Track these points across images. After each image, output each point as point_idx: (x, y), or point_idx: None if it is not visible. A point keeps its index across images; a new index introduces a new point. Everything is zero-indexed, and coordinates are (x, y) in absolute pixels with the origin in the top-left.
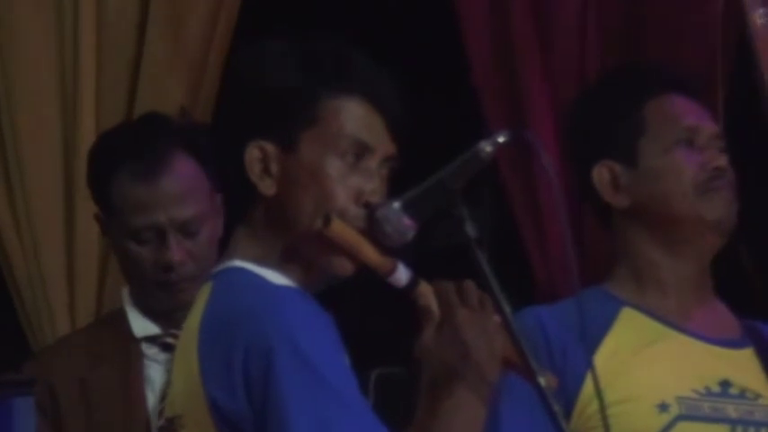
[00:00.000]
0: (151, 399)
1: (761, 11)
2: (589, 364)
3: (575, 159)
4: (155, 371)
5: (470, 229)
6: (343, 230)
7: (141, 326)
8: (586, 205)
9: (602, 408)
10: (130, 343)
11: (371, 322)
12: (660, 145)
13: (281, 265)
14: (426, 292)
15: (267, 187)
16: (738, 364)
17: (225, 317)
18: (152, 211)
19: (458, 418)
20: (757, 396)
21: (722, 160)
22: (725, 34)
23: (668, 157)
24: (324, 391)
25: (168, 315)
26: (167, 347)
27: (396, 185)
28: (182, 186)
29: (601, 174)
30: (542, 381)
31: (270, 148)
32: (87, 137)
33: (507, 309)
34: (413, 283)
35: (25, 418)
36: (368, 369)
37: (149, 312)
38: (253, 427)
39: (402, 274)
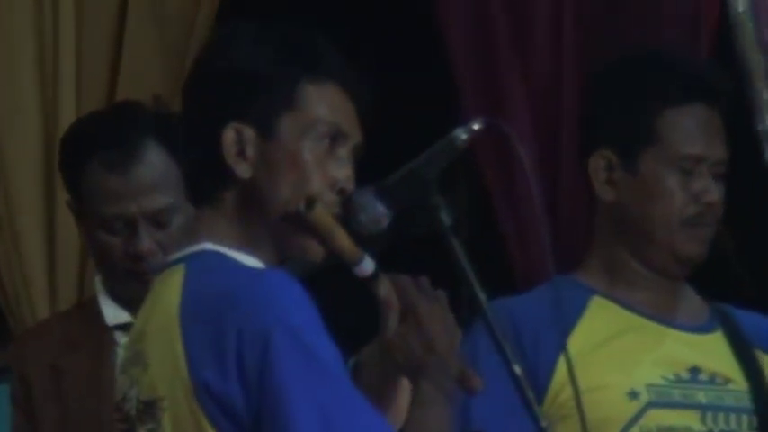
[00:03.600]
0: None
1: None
2: (561, 349)
3: (581, 136)
4: None
5: (445, 217)
6: (323, 216)
7: (113, 314)
8: (564, 192)
9: (576, 390)
10: (103, 331)
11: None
12: (662, 162)
13: (253, 248)
14: (387, 284)
15: (243, 170)
16: (707, 350)
17: (210, 299)
18: (123, 201)
19: (425, 413)
20: (727, 381)
21: (715, 195)
22: (704, 21)
23: (665, 178)
24: (321, 374)
25: (140, 303)
26: None
27: (368, 173)
28: (153, 177)
29: (598, 162)
30: (516, 368)
31: (246, 131)
32: (67, 124)
33: (483, 296)
34: (375, 275)
35: (1, 405)
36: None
37: (121, 300)
38: (245, 409)
39: (367, 265)
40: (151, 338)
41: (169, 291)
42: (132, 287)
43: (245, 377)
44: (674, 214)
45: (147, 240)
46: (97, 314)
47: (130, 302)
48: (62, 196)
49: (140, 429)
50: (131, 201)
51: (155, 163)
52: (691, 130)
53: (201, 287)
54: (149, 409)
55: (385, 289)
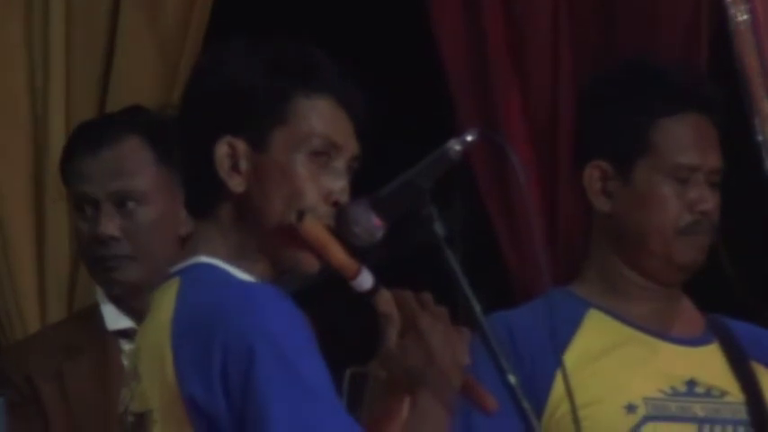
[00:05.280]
0: None
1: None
2: (558, 365)
3: (576, 147)
4: None
5: (440, 229)
6: (315, 228)
7: (113, 319)
8: (561, 202)
9: (573, 404)
10: (106, 337)
11: (345, 321)
12: (657, 171)
13: (247, 262)
14: (387, 298)
15: (236, 184)
16: (704, 362)
17: (201, 313)
18: (90, 181)
19: (424, 427)
20: (723, 393)
21: (710, 203)
22: (700, 20)
23: (660, 187)
24: (303, 391)
25: (140, 310)
26: None
27: (364, 185)
28: (121, 161)
29: (592, 173)
30: (512, 379)
31: (239, 144)
32: (57, 131)
33: (477, 307)
34: (374, 289)
35: None
36: (342, 368)
37: (122, 306)
38: (230, 424)
39: (366, 279)
40: (144, 351)
41: (163, 304)
42: (96, 275)
43: (229, 391)
44: (669, 223)
45: (106, 222)
46: (98, 320)
47: (132, 309)
48: (52, 206)
49: None
50: (97, 181)
51: (127, 150)
52: (685, 140)
53: (192, 300)
54: (142, 421)
55: (385, 303)
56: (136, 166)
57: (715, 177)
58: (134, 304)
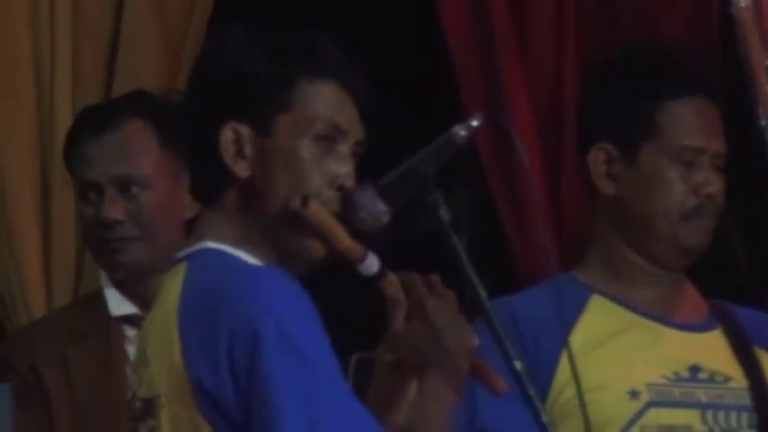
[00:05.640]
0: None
1: None
2: (562, 349)
3: (580, 130)
4: (132, 352)
5: (445, 214)
6: (319, 213)
7: (117, 305)
8: (566, 188)
9: (579, 386)
10: (110, 323)
11: (351, 306)
12: (662, 154)
13: (253, 246)
14: (394, 282)
15: (241, 170)
16: (707, 348)
17: (207, 297)
18: (93, 165)
19: (432, 410)
20: (726, 379)
21: (715, 186)
22: (704, 6)
23: (665, 170)
24: (309, 370)
25: (144, 295)
26: None
27: (370, 171)
28: (124, 145)
29: (597, 155)
30: (518, 365)
31: (244, 130)
32: (63, 119)
33: (483, 293)
34: (381, 273)
35: (2, 404)
36: (348, 353)
37: (126, 292)
38: (237, 407)
39: (372, 263)
40: (152, 336)
41: (171, 289)
42: (100, 258)
43: (236, 374)
44: (674, 206)
45: (110, 205)
46: (102, 306)
47: (136, 295)
48: (58, 193)
49: (142, 427)
50: (99, 166)
51: (129, 135)
52: (690, 123)
53: (199, 285)
54: (149, 406)
55: (392, 287)
56: (139, 150)
57: (719, 161)
58: (138, 290)
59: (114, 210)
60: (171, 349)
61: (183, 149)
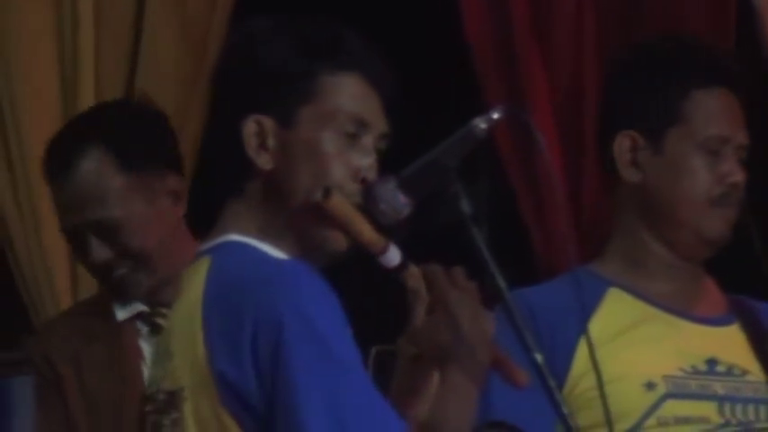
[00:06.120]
0: (146, 375)
1: None
2: (579, 339)
3: (603, 119)
4: (146, 348)
5: (465, 206)
6: (341, 205)
7: (122, 307)
8: (587, 180)
9: (599, 375)
10: (122, 321)
11: (371, 299)
12: (688, 142)
13: (276, 239)
14: (415, 274)
15: (264, 162)
16: (725, 342)
17: (231, 289)
18: (66, 213)
19: (453, 402)
20: (744, 372)
21: (739, 176)
22: (727, 10)
23: (691, 158)
24: (332, 364)
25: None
26: (156, 328)
27: (392, 164)
28: (83, 190)
29: (622, 143)
30: (538, 357)
31: (267, 122)
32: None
33: (503, 285)
34: (403, 265)
35: (24, 397)
36: (367, 345)
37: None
38: (260, 399)
39: (394, 255)
40: (176, 329)
41: (194, 282)
42: (117, 299)
43: (259, 367)
44: (700, 194)
45: (97, 251)
46: (110, 306)
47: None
48: None
49: (166, 419)
50: (70, 214)
51: (87, 178)
52: (716, 112)
53: (223, 277)
54: (173, 398)
55: (413, 279)
56: (100, 193)
57: (742, 153)
58: (153, 300)
59: (101, 253)
60: (194, 342)
61: (151, 159)
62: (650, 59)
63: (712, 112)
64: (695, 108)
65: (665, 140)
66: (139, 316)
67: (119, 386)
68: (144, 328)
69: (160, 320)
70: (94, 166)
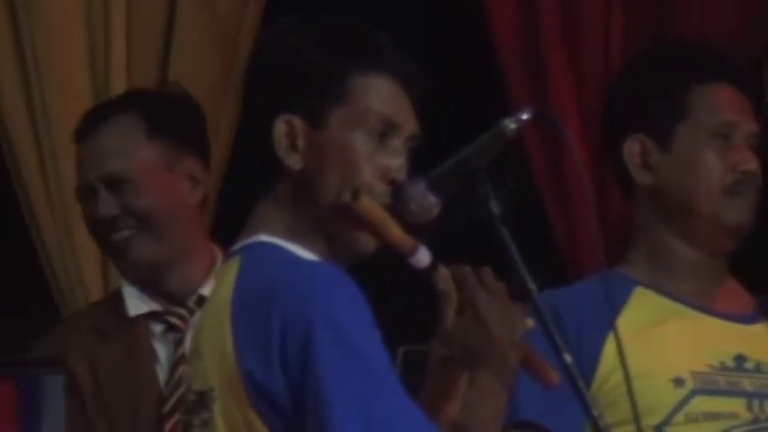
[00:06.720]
0: (161, 376)
1: None
2: (605, 338)
3: (610, 127)
4: (160, 349)
5: (494, 207)
6: (370, 205)
7: (136, 304)
8: (612, 181)
9: (626, 371)
10: (135, 321)
11: (399, 299)
12: (697, 135)
13: (305, 240)
14: (445, 275)
15: (294, 162)
16: (753, 339)
17: (260, 290)
18: (84, 168)
19: (482, 404)
20: None
21: (753, 163)
22: (750, 13)
23: (702, 151)
24: (362, 367)
25: (167, 291)
26: (171, 327)
27: (420, 164)
28: (107, 142)
29: (632, 147)
30: (567, 357)
31: (297, 122)
32: None
33: (532, 286)
34: (433, 266)
35: (55, 397)
36: (395, 346)
37: (147, 290)
38: (288, 401)
39: (423, 256)
40: (207, 329)
41: (224, 282)
42: (114, 260)
43: (288, 368)
44: (714, 184)
45: (104, 204)
46: (122, 305)
47: (156, 293)
48: None
49: (195, 419)
50: (89, 167)
51: (112, 132)
52: (719, 101)
53: (253, 278)
54: (202, 399)
55: (443, 280)
56: (122, 147)
57: (753, 140)
58: (158, 287)
59: (108, 207)
60: (224, 342)
61: (179, 136)
62: (650, 64)
63: (716, 101)
64: (698, 100)
65: (673, 138)
66: (152, 315)
67: (133, 386)
68: (157, 328)
69: (174, 320)
70: (122, 126)
